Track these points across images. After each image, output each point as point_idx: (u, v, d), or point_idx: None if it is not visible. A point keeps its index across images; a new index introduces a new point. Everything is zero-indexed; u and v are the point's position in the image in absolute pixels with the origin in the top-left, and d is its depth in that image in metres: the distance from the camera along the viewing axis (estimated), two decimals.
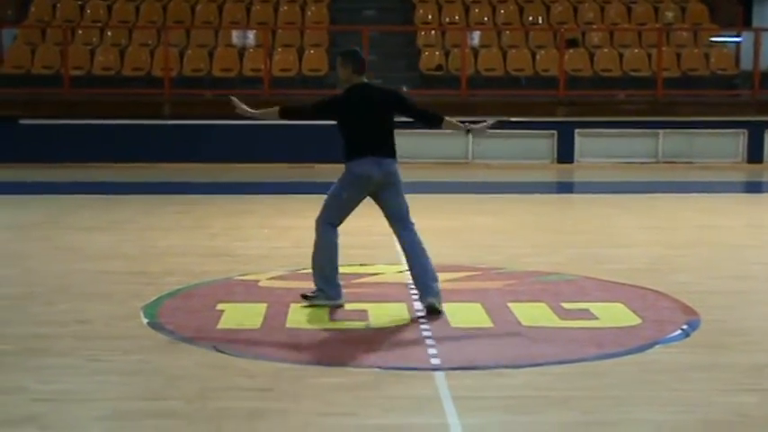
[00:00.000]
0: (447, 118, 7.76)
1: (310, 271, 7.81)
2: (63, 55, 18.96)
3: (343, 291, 7.66)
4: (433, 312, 7.31)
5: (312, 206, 13.14)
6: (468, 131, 8.01)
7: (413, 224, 7.68)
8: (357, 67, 7.61)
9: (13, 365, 6.16)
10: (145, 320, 7.23)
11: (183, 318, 7.33)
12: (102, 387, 5.81)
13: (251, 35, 20.47)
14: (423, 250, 7.58)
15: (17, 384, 5.82)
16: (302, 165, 17.46)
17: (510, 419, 5.28)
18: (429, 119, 7.77)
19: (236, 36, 20.55)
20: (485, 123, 7.95)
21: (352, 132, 7.60)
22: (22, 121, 17.50)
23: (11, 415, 5.32)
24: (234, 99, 8.08)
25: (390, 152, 7.61)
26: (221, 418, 5.25)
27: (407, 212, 7.68)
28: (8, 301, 7.81)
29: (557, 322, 7.25)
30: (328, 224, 7.87)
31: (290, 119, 8.31)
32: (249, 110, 8.06)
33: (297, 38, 20.38)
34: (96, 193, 14.18)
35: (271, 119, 8.23)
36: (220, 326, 7.10)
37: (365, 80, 7.66)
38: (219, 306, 7.65)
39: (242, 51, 19.99)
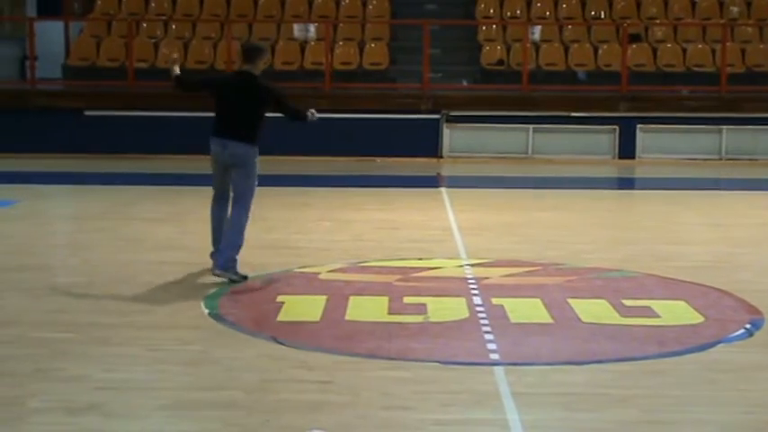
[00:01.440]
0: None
1: (371, 264, 7.85)
2: (128, 48, 19.13)
3: (214, 261, 8.30)
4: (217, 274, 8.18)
5: (373, 200, 13.23)
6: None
7: (244, 209, 8.27)
8: (243, 57, 8.50)
9: (78, 354, 6.25)
10: (205, 311, 7.30)
11: (243, 309, 7.39)
12: (163, 377, 5.88)
13: (312, 29, 20.50)
14: (234, 227, 8.23)
15: (81, 372, 5.91)
16: (364, 158, 17.48)
17: (569, 416, 5.26)
18: (295, 115, 8.72)
19: (297, 29, 20.60)
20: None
21: (215, 111, 8.41)
22: (87, 113, 17.69)
23: (75, 402, 5.41)
24: (172, 64, 8.83)
25: (241, 137, 8.25)
26: (280, 410, 5.28)
27: (247, 195, 8.29)
28: (72, 291, 7.92)
29: (617, 319, 7.20)
30: (213, 197, 8.58)
31: (183, 89, 8.99)
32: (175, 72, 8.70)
33: (358, 31, 20.39)
34: (158, 184, 14.32)
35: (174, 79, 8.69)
36: (280, 318, 7.15)
37: (249, 70, 8.34)
38: (279, 298, 7.69)
39: (303, 45, 20.04)
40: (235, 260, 8.18)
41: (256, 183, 8.44)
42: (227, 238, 8.20)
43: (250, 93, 8.32)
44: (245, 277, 8.19)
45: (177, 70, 8.67)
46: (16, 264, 8.95)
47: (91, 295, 7.75)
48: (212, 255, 8.40)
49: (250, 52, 8.48)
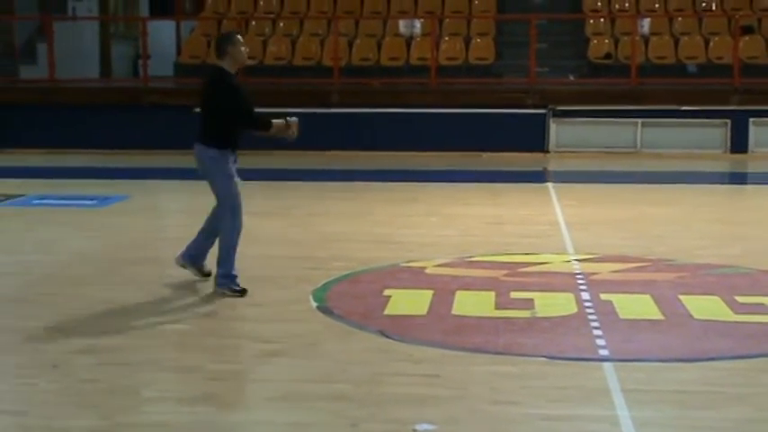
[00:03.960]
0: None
1: (478, 258, 7.81)
2: None
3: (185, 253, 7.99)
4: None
5: (480, 194, 13.20)
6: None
7: (223, 222, 7.68)
8: (215, 52, 7.73)
9: (190, 345, 6.38)
10: (314, 304, 7.38)
11: (351, 302, 7.44)
12: (273, 368, 5.96)
13: (418, 24, 20.53)
14: (219, 246, 7.65)
15: (193, 363, 6.03)
16: (470, 153, 17.45)
17: (682, 414, 5.17)
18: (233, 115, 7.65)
19: (403, 25, 20.65)
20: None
21: None
22: (198, 110, 18.03)
23: (188, 393, 5.52)
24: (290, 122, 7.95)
25: (199, 138, 7.69)
26: (388, 403, 5.31)
27: (222, 203, 7.68)
28: (183, 284, 8.07)
29: (730, 316, 7.05)
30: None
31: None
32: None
33: (464, 26, 20.34)
34: (267, 179, 14.50)
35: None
36: (387, 311, 7.18)
37: (216, 65, 7.66)
38: (386, 292, 7.73)
39: (409, 40, 20.08)
40: (227, 277, 7.56)
41: (229, 189, 7.66)
42: (218, 256, 7.64)
43: (205, 90, 7.75)
44: (243, 291, 7.55)
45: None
46: (130, 257, 9.16)
47: (202, 288, 7.88)
48: (187, 246, 8.03)
49: (216, 46, 7.77)
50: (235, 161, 7.76)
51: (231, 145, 7.65)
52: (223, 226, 7.62)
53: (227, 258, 7.56)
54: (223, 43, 7.62)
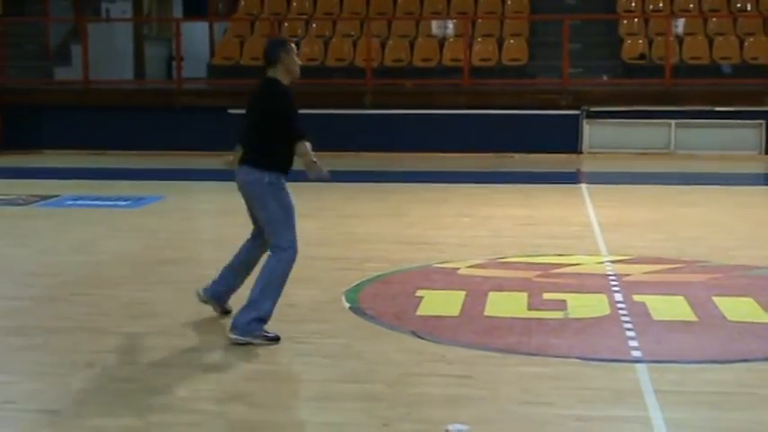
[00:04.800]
0: (303, 145, 6.39)
1: (510, 259, 7.78)
2: None
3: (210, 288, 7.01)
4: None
5: (512, 196, 13.17)
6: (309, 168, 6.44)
7: (276, 249, 6.47)
8: (264, 59, 6.61)
9: (224, 345, 6.41)
10: (347, 305, 7.40)
11: (384, 303, 7.45)
12: (306, 368, 5.98)
13: (451, 25, 20.54)
14: (259, 279, 6.49)
15: (228, 363, 6.07)
16: (502, 154, 17.43)
17: (716, 416, 5.15)
18: (289, 135, 6.43)
19: (436, 26, 20.66)
20: (323, 173, 6.48)
21: None
22: (231, 111, 18.09)
23: (222, 392, 5.55)
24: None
25: (249, 160, 6.49)
26: (421, 404, 5.32)
27: (271, 233, 6.50)
28: None
29: (764, 318, 7.01)
30: (251, 232, 6.96)
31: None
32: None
33: (497, 27, 20.32)
34: (300, 180, 14.53)
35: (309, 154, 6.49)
36: (419, 312, 7.19)
37: (270, 74, 6.54)
38: (418, 293, 7.74)
39: (442, 41, 20.09)
40: (257, 322, 6.40)
41: (281, 215, 6.49)
42: (251, 293, 6.46)
43: (258, 104, 6.56)
44: (276, 338, 6.45)
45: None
46: (164, 257, 9.23)
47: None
48: (213, 282, 7.05)
49: (265, 54, 6.58)
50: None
51: (288, 167, 6.55)
52: (276, 269, 6.45)
53: (262, 307, 6.41)
54: (275, 49, 6.54)
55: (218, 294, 6.99)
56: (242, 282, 6.93)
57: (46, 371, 5.97)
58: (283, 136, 6.41)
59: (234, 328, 6.40)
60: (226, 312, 6.98)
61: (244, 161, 6.54)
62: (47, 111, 18.50)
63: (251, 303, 6.41)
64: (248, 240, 6.96)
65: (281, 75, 6.53)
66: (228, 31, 21.29)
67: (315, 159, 6.40)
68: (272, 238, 6.51)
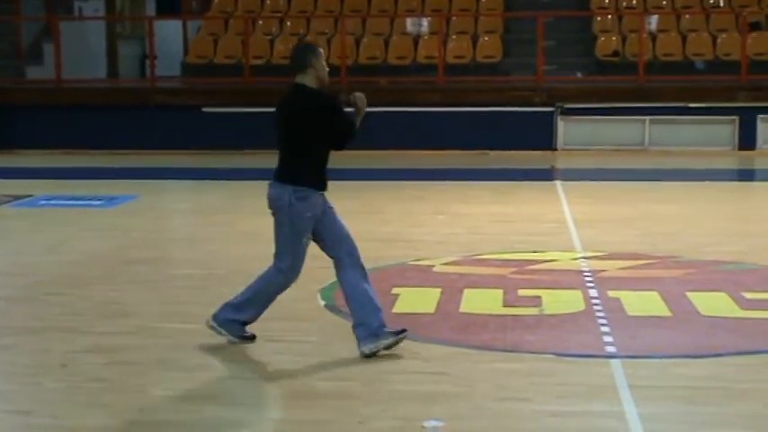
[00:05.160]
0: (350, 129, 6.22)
1: (485, 256, 7.79)
2: (244, 45, 19.43)
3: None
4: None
5: (487, 193, 13.18)
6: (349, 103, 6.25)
7: (276, 268, 6.21)
8: (290, 65, 6.26)
9: (198, 344, 6.38)
10: (322, 303, 7.39)
11: None
12: (281, 367, 5.97)
13: (425, 22, 20.54)
14: (259, 295, 6.27)
15: (201, 362, 6.04)
16: (477, 151, 17.45)
17: (689, 410, 5.17)
18: (336, 139, 6.23)
19: (410, 24, 20.66)
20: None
21: None
22: (205, 110, 18.05)
23: (196, 391, 5.53)
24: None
25: (278, 174, 6.16)
26: (396, 401, 5.31)
27: (278, 252, 6.19)
28: (192, 283, 8.10)
29: (738, 312, 7.05)
30: None
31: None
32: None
33: (471, 25, 20.34)
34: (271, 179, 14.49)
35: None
36: (395, 309, 7.18)
37: (298, 81, 6.16)
38: (394, 290, 7.73)
39: (416, 39, 20.09)
40: (237, 324, 6.28)
41: (291, 240, 6.14)
42: (239, 296, 6.34)
43: (291, 114, 6.14)
44: (252, 337, 6.34)
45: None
46: (137, 257, 9.17)
47: (209, 287, 7.89)
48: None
49: (294, 58, 6.23)
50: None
51: (322, 181, 6.27)
52: (268, 277, 6.27)
53: (251, 307, 6.29)
54: (307, 54, 6.15)
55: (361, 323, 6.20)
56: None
57: (18, 371, 5.94)
58: (318, 146, 6.10)
59: (214, 317, 6.32)
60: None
61: (273, 175, 6.20)
62: (19, 110, 18.37)
63: (235, 306, 6.29)
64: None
65: (310, 80, 6.14)
66: (202, 29, 21.20)
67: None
68: (276, 257, 6.23)
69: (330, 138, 6.15)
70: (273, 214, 6.19)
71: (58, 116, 18.18)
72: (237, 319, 6.31)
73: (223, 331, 6.30)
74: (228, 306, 6.35)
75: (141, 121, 18.03)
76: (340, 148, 6.25)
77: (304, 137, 6.10)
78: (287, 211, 6.10)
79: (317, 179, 6.20)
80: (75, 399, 5.42)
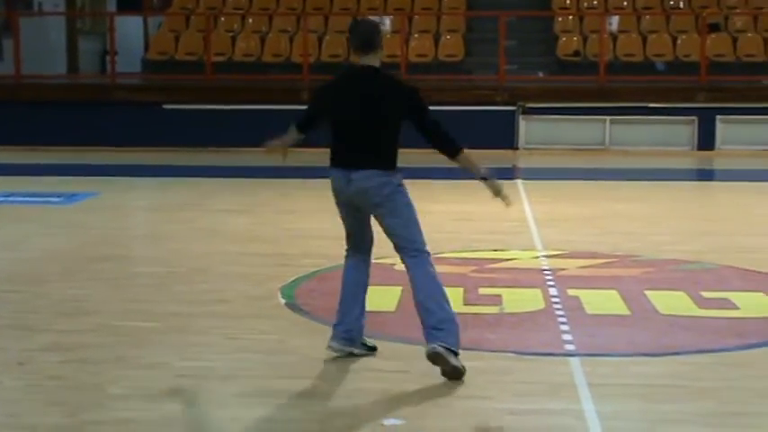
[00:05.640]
0: (466, 153, 6.22)
1: (446, 255, 7.77)
2: (206, 42, 19.35)
3: (334, 332, 6.02)
4: (437, 361, 5.63)
5: (448, 191, 13.19)
6: (482, 179, 6.44)
7: (420, 253, 5.87)
8: (357, 44, 5.80)
9: (158, 342, 6.35)
10: (282, 301, 7.37)
11: (320, 299, 7.43)
12: (241, 365, 5.95)
13: (388, 21, 20.55)
14: (432, 287, 5.80)
15: (161, 360, 6.01)
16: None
17: (646, 408, 5.21)
18: (443, 144, 6.20)
19: None
20: (496, 183, 6.44)
21: (331, 131, 5.86)
22: (166, 106, 17.94)
23: (154, 389, 5.49)
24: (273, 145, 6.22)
25: (371, 163, 5.77)
26: (357, 399, 5.32)
27: (412, 239, 5.87)
28: (152, 280, 8.05)
29: (696, 311, 7.11)
30: (347, 250, 6.35)
31: (307, 130, 6.12)
32: (278, 143, 6.23)
33: (433, 23, 20.38)
34: (235, 176, 14.47)
35: (295, 140, 6.18)
36: None
37: (369, 63, 5.79)
38: None
39: None
40: (455, 337, 5.68)
41: (414, 215, 5.93)
42: (432, 308, 5.75)
43: (378, 96, 5.78)
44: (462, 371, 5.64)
45: (276, 143, 6.23)
46: (98, 254, 9.11)
47: (170, 285, 7.86)
48: (335, 326, 6.06)
49: (365, 37, 5.76)
50: None
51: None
52: (434, 276, 5.84)
53: (449, 318, 5.77)
54: (377, 35, 5.79)
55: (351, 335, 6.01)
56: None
57: None
58: (399, 131, 5.88)
59: (439, 342, 5.61)
60: (372, 349, 6.10)
61: (356, 165, 5.75)
62: None
63: (436, 323, 5.66)
64: (348, 258, 6.29)
65: (377, 62, 5.78)
66: (163, 25, 21.10)
67: None
68: (409, 243, 5.83)
69: (436, 142, 6.16)
70: (378, 206, 5.82)
71: (17, 112, 18.00)
72: (455, 331, 5.74)
73: (454, 348, 5.65)
74: (430, 328, 5.71)
75: (102, 118, 17.89)
76: (455, 155, 6.21)
77: (393, 122, 5.83)
78: (400, 192, 5.84)
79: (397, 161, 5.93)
80: (33, 397, 5.37)
